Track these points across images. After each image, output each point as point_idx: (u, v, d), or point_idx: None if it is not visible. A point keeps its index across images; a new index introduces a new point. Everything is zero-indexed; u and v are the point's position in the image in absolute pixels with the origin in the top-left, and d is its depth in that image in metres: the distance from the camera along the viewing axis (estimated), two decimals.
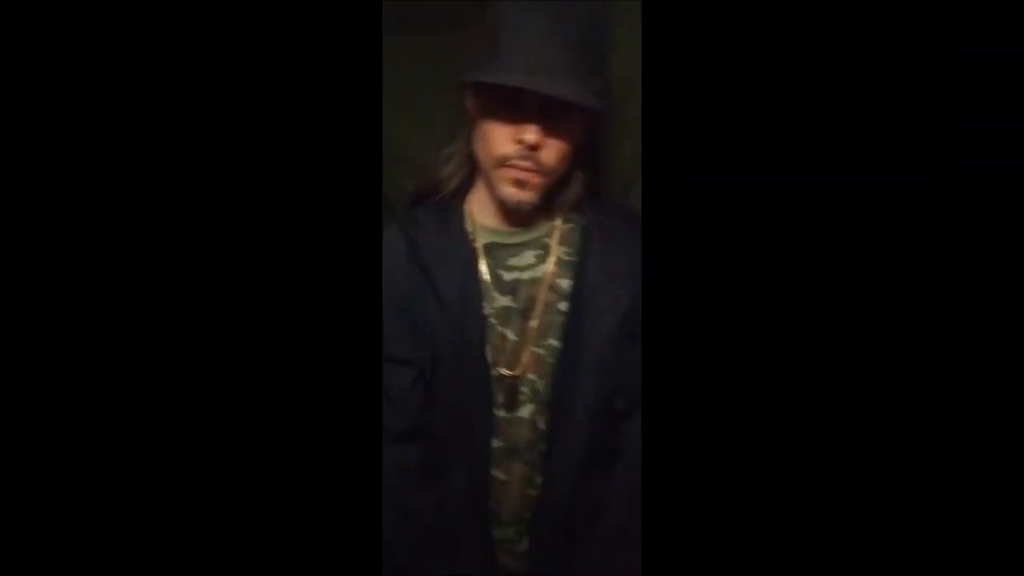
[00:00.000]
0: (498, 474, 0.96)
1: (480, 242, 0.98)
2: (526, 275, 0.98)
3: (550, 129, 0.90)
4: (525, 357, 0.96)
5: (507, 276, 0.97)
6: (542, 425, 0.96)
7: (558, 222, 0.99)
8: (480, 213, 0.99)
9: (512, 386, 0.96)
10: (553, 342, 0.96)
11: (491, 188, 0.95)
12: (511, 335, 0.96)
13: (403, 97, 0.96)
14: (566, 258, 0.98)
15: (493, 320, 0.96)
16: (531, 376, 0.96)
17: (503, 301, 0.97)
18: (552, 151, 0.91)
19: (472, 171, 0.98)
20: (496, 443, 0.96)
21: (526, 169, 0.91)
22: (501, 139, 0.91)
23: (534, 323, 0.96)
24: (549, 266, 0.98)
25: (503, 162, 0.91)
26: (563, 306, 0.97)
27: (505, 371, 0.96)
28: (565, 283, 0.97)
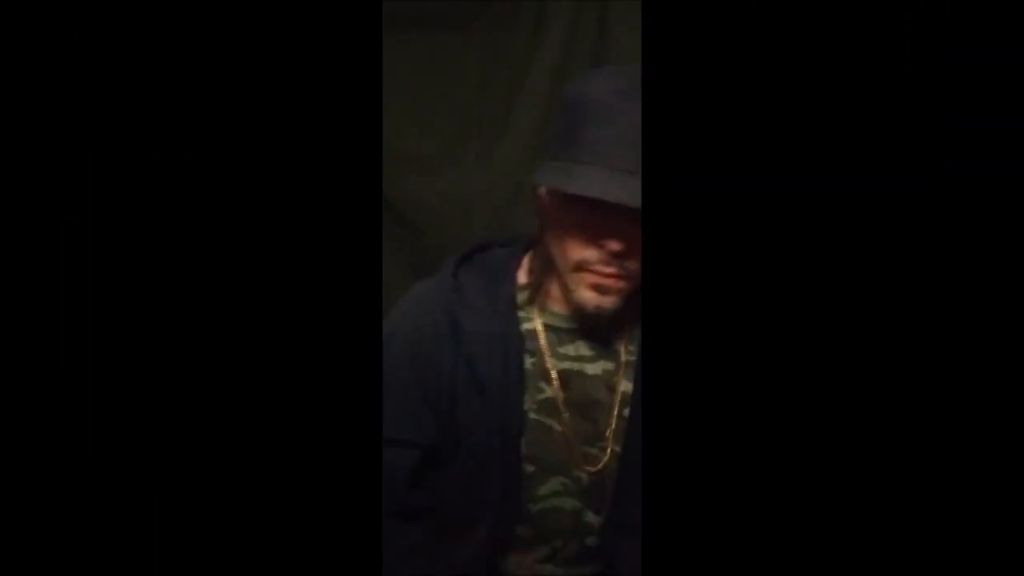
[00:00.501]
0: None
1: (532, 324, 0.90)
2: (577, 367, 0.91)
3: (633, 233, 0.79)
4: (580, 452, 0.89)
5: (557, 365, 0.90)
6: (590, 519, 0.91)
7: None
8: (556, 302, 0.91)
9: (597, 483, 0.90)
10: (616, 448, 0.90)
11: (566, 290, 0.87)
12: (558, 427, 0.90)
13: (403, 97, 0.95)
14: (630, 358, 0.91)
15: (537, 416, 0.89)
16: (580, 474, 0.90)
17: (548, 392, 0.90)
18: (637, 256, 0.82)
19: (549, 269, 0.89)
20: (521, 531, 0.91)
21: (609, 275, 0.83)
22: (581, 242, 0.83)
23: (590, 425, 0.90)
24: (609, 364, 0.91)
25: (582, 266, 0.84)
26: (625, 412, 0.90)
27: (588, 468, 0.89)
28: (627, 385, 0.91)
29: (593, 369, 0.91)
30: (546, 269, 0.89)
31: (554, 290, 0.90)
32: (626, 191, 0.77)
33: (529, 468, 0.89)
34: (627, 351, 0.91)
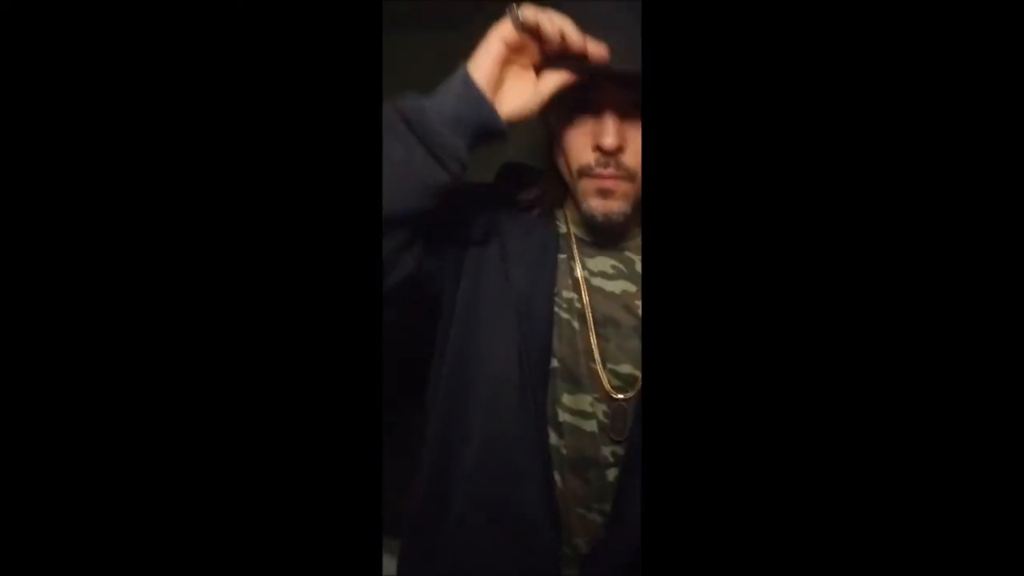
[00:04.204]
0: (557, 480, 0.89)
1: (565, 228, 0.92)
2: (599, 283, 0.91)
3: (630, 129, 0.83)
4: (597, 376, 0.89)
5: (582, 273, 0.91)
6: (608, 455, 0.89)
7: None
8: (575, 225, 0.93)
9: (620, 410, 0.89)
10: (629, 368, 0.89)
11: (578, 205, 0.88)
12: (579, 342, 0.89)
13: (403, 97, 0.95)
14: None
15: (559, 312, 0.90)
16: (595, 394, 0.89)
17: (573, 298, 0.90)
18: (634, 153, 0.84)
19: (563, 190, 0.92)
20: (555, 441, 0.89)
21: (609, 177, 0.84)
22: (579, 148, 0.85)
23: (603, 341, 0.89)
24: (628, 285, 0.91)
25: (585, 172, 0.85)
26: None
27: (615, 394, 0.88)
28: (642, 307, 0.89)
29: (612, 287, 0.91)
30: (557, 189, 0.92)
31: (581, 220, 0.92)
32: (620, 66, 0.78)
33: (555, 364, 0.89)
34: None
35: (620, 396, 0.88)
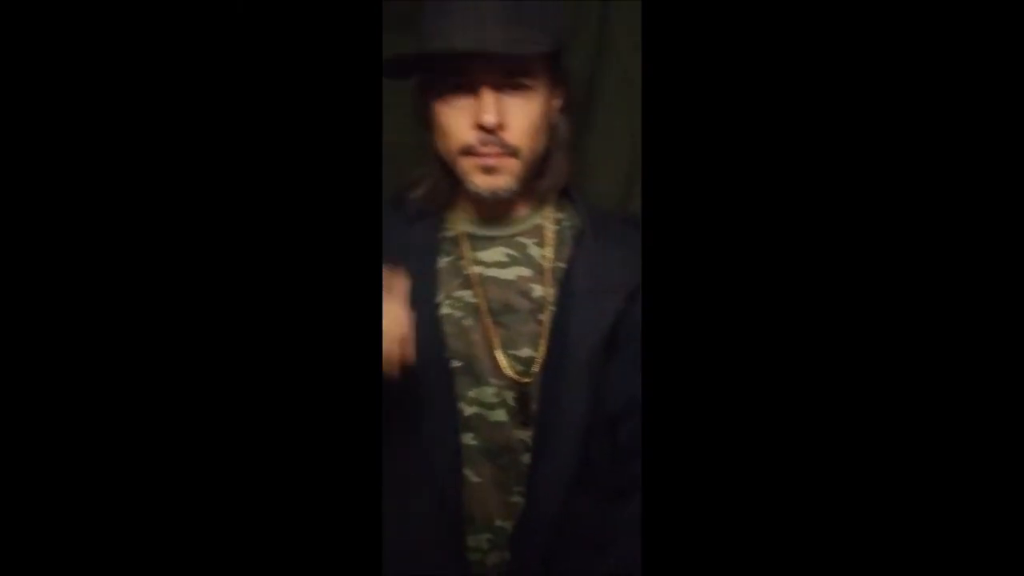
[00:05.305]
0: (469, 474, 0.90)
1: (454, 231, 0.93)
2: (494, 273, 0.92)
3: (509, 106, 0.85)
4: (495, 361, 0.90)
5: (474, 269, 0.92)
6: (520, 435, 0.90)
7: (547, 222, 0.93)
8: (463, 207, 0.94)
9: (524, 395, 0.90)
10: (528, 351, 0.90)
11: (462, 185, 0.89)
12: (477, 330, 0.90)
13: (403, 97, 0.95)
14: (545, 264, 0.92)
15: (452, 311, 0.90)
16: (498, 382, 0.90)
17: (465, 295, 0.91)
18: (517, 130, 0.85)
19: (450, 173, 0.91)
20: (468, 440, 0.90)
21: (491, 154, 0.85)
22: (459, 127, 0.85)
23: (502, 328, 0.90)
24: (523, 270, 0.92)
25: (467, 151, 0.86)
26: (541, 316, 0.90)
27: (521, 379, 0.89)
28: (539, 290, 0.91)
29: (507, 274, 0.92)
30: (444, 174, 0.92)
31: (467, 198, 0.92)
32: (477, 37, 0.80)
33: (456, 364, 0.90)
34: (545, 258, 0.93)
35: (526, 380, 0.90)
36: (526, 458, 0.90)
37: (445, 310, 0.90)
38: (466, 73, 0.84)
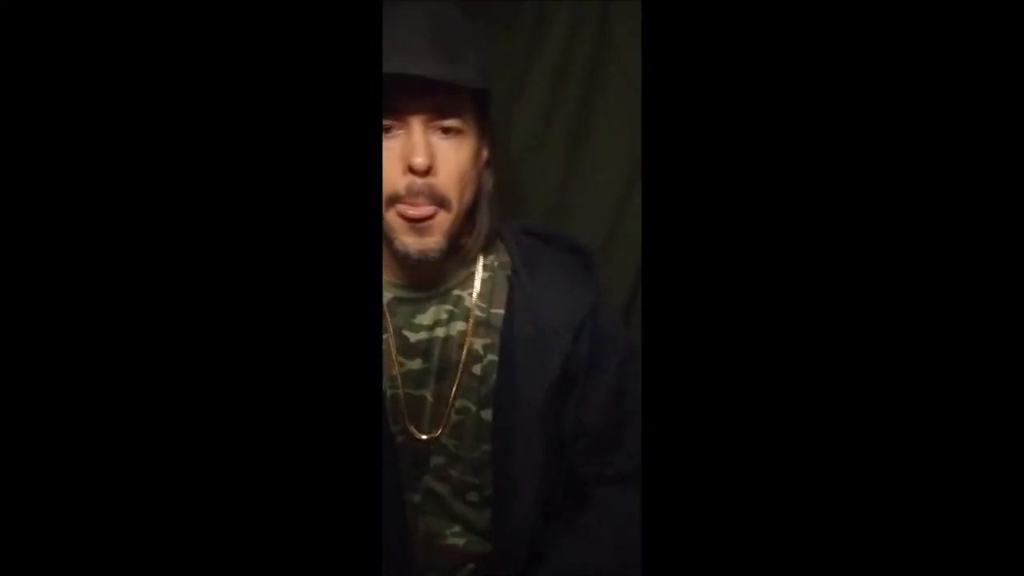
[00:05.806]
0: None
1: (386, 296, 0.88)
2: (438, 333, 0.89)
3: (439, 149, 0.80)
4: (443, 420, 0.89)
5: (414, 337, 0.89)
6: (472, 496, 0.91)
7: (477, 270, 0.90)
8: (387, 268, 0.88)
9: (420, 451, 0.90)
10: (468, 404, 0.89)
11: (391, 245, 0.83)
12: (429, 397, 0.89)
13: None
14: (480, 314, 0.89)
15: (403, 386, 0.89)
16: (449, 441, 0.90)
17: (411, 364, 0.89)
18: (446, 177, 0.80)
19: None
20: (415, 498, 0.91)
21: (419, 204, 0.80)
22: (389, 175, 0.79)
23: (449, 386, 0.89)
24: (462, 325, 0.89)
25: (395, 200, 0.80)
26: (476, 369, 0.89)
27: (417, 434, 0.89)
28: (479, 343, 0.89)
29: (448, 332, 0.90)
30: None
31: (393, 261, 0.87)
32: (406, 63, 0.75)
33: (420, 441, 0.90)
34: (479, 308, 0.90)
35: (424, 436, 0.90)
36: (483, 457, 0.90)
37: (393, 391, 0.89)
38: (396, 111, 0.79)
